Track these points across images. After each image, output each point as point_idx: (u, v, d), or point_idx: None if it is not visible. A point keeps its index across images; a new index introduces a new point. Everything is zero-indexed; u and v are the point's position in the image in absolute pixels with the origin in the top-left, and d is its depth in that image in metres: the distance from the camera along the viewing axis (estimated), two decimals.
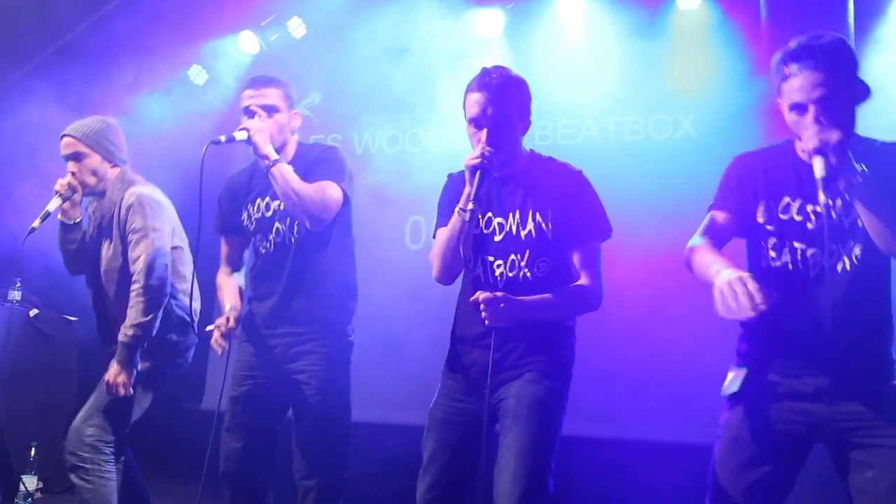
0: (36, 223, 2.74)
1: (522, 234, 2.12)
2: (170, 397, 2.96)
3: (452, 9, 4.59)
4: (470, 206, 2.02)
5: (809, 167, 1.84)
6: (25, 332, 4.16)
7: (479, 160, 2.02)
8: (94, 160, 2.78)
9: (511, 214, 2.14)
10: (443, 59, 4.55)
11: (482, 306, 1.96)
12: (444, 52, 4.58)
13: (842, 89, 1.84)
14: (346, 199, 2.56)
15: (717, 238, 2.00)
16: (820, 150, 1.79)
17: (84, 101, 4.46)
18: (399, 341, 4.34)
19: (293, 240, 2.56)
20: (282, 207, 2.54)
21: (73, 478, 2.63)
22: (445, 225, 2.14)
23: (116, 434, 2.68)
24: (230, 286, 2.63)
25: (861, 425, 1.83)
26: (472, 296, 2.05)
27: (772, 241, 1.96)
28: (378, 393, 4.26)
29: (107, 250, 2.78)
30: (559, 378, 2.11)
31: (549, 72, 4.54)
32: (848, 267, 1.88)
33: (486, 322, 1.97)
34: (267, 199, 2.59)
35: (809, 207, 1.92)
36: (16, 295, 4.21)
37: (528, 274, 2.11)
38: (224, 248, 2.74)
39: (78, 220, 2.86)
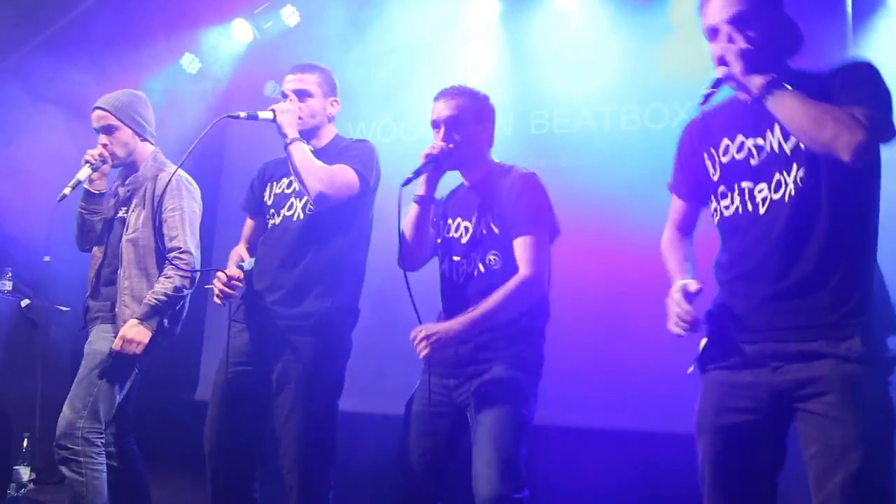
0: (67, 190, 2.77)
1: (479, 233, 2.30)
2: (164, 387, 2.94)
3: None
4: (421, 190, 2.27)
5: (746, 104, 1.76)
6: (17, 323, 4.14)
7: (428, 149, 2.25)
8: (126, 133, 2.87)
9: (473, 217, 2.33)
10: (438, 47, 4.52)
11: (415, 343, 2.12)
12: (440, 40, 4.55)
13: (758, 11, 1.71)
14: (364, 188, 2.54)
15: (683, 224, 1.98)
16: (721, 60, 1.71)
17: (75, 90, 4.41)
18: (396, 331, 4.31)
19: (302, 216, 2.55)
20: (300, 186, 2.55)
21: (64, 470, 2.61)
22: None
23: (105, 423, 2.68)
24: (239, 257, 2.68)
25: (805, 393, 1.62)
26: (448, 292, 2.34)
27: (721, 188, 1.80)
28: (376, 382, 4.25)
29: (135, 219, 2.82)
30: (528, 371, 2.22)
31: (545, 61, 4.51)
32: (793, 192, 1.67)
33: (422, 357, 2.12)
34: (291, 177, 2.58)
35: (751, 142, 1.75)
36: (7, 285, 4.18)
37: (482, 268, 2.27)
38: (246, 227, 2.78)
39: (103, 192, 2.91)
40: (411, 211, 2.29)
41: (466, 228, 2.33)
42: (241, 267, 2.51)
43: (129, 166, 2.93)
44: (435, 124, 2.34)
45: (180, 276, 2.73)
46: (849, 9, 3.68)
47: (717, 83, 1.72)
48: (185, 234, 2.78)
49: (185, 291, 2.78)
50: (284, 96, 2.62)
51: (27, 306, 4.19)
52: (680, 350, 1.94)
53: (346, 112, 4.93)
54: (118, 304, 2.75)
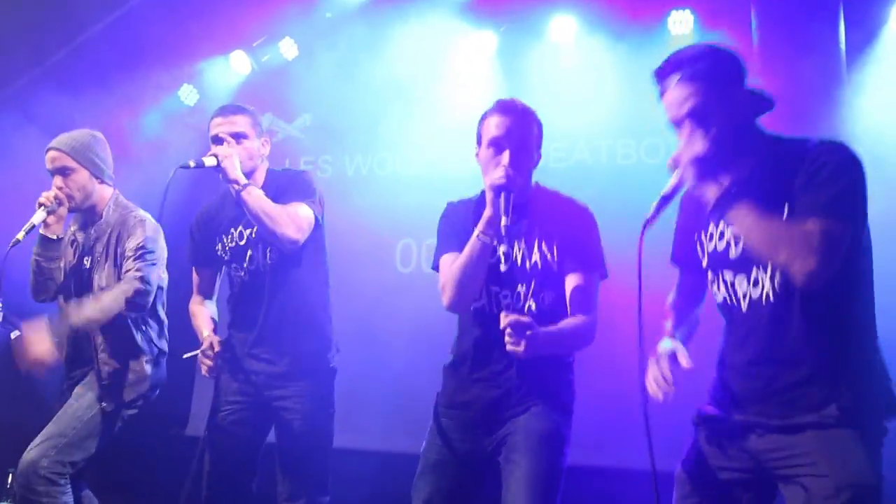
0: (20, 235, 2.63)
1: (528, 264, 2.06)
2: (154, 423, 2.89)
3: (444, 31, 4.59)
4: (504, 221, 1.91)
5: None
6: (5, 355, 4.07)
7: (503, 180, 1.95)
8: (83, 176, 2.72)
9: (516, 243, 2.08)
10: (435, 80, 4.54)
11: (508, 330, 1.82)
12: (437, 74, 4.57)
13: (716, 97, 1.68)
14: (318, 220, 2.56)
15: (692, 293, 1.95)
16: (676, 163, 1.69)
17: (73, 123, 4.40)
18: (390, 364, 4.27)
19: (267, 266, 2.55)
20: (254, 235, 2.54)
21: None
22: (449, 251, 2.10)
23: (73, 467, 2.57)
24: (203, 314, 2.64)
25: (784, 455, 1.64)
26: (470, 329, 2.07)
27: (709, 275, 1.81)
28: (370, 419, 4.19)
29: (100, 274, 2.70)
30: (563, 413, 2.08)
31: (541, 95, 4.51)
32: (770, 296, 1.67)
33: (509, 348, 1.83)
34: (240, 227, 2.59)
35: (730, 231, 1.73)
36: None
37: (533, 306, 2.05)
38: (196, 278, 2.74)
39: (60, 237, 2.76)
40: (475, 249, 1.98)
41: (506, 255, 2.06)
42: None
43: (87, 211, 2.78)
44: (499, 144, 2.03)
45: (121, 299, 2.57)
46: (842, 44, 3.71)
47: (668, 197, 1.70)
48: (134, 271, 2.61)
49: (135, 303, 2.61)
50: (219, 141, 2.52)
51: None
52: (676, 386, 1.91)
53: (343, 144, 4.99)
54: (97, 364, 2.67)
